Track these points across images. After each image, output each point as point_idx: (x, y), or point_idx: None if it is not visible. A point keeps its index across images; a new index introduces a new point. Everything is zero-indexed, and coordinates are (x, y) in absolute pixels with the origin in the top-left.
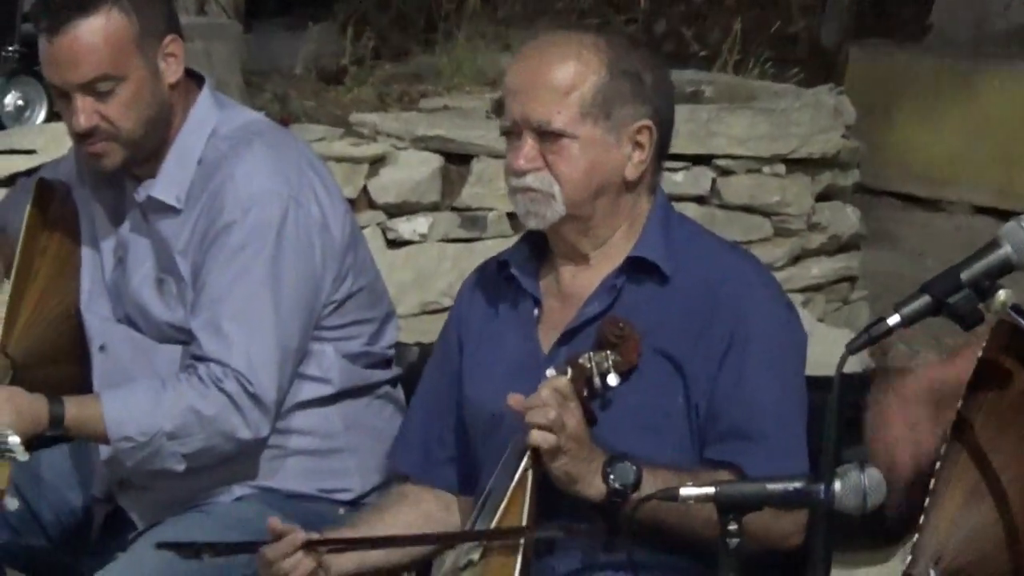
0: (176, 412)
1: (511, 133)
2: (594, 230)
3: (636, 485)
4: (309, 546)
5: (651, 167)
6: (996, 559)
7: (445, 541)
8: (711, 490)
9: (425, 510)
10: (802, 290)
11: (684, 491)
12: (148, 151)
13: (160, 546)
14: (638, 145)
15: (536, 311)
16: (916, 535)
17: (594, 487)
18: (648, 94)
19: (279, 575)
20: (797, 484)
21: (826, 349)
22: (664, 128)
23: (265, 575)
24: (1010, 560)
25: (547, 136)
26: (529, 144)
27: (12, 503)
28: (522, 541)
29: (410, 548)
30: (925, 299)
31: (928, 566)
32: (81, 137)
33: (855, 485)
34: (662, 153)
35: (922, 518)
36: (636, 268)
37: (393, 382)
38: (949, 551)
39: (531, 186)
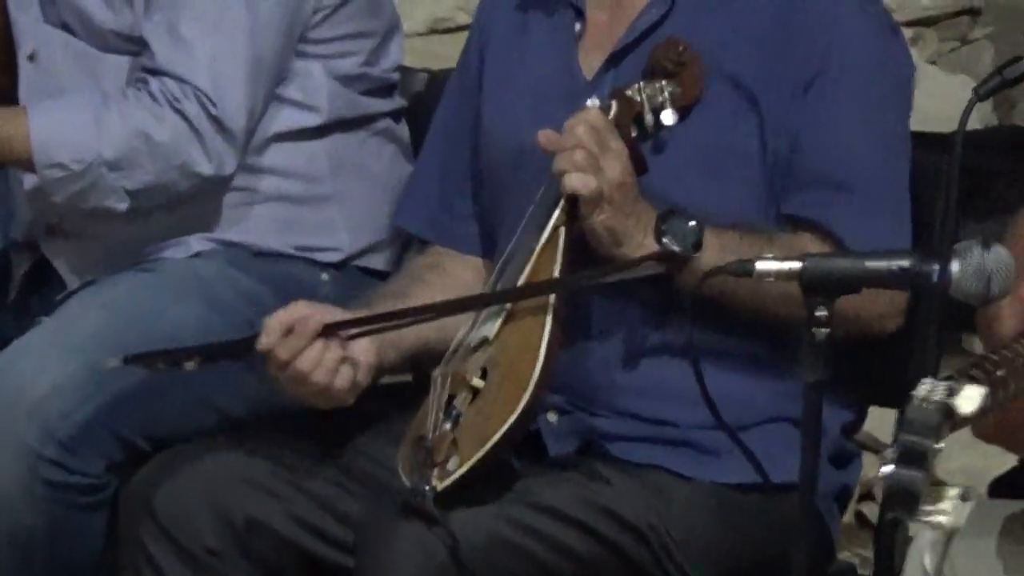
0: (120, 136)
1: None
2: None
3: (697, 247)
4: (329, 331)
5: None
6: None
7: (476, 304)
8: (796, 265)
9: (462, 281)
10: (910, 24)
11: (761, 265)
12: None
13: (128, 361)
14: None
15: (578, 25)
16: None
17: (644, 249)
18: None
19: (299, 377)
20: (904, 263)
21: (938, 98)
22: None
23: (279, 377)
24: None
25: None
26: None
27: None
28: (551, 305)
29: (443, 330)
30: None
31: None
32: None
33: (977, 266)
34: None
35: None
36: None
37: (396, 115)
38: None
39: None
